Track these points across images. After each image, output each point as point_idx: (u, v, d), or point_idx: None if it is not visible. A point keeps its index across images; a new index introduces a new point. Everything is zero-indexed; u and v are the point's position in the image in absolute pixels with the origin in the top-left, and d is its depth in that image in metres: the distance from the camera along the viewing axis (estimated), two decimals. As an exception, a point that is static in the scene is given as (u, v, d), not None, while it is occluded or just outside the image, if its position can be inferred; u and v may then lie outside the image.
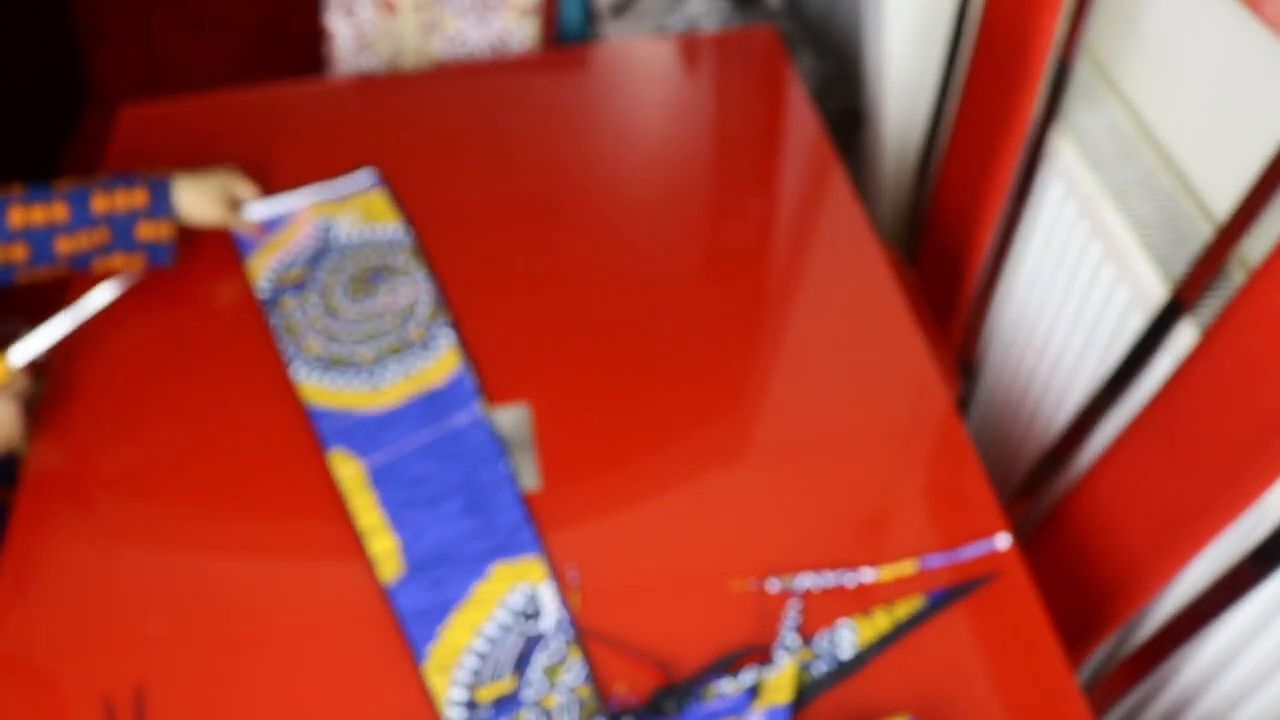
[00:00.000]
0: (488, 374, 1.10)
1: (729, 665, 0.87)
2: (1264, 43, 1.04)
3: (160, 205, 1.11)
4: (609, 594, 0.93)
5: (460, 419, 1.05)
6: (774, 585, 0.92)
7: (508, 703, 0.86)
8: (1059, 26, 1.18)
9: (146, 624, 0.92)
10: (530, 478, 1.01)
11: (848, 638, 0.88)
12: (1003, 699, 0.86)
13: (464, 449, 1.03)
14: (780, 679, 0.85)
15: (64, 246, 1.08)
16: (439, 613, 0.91)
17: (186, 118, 1.45)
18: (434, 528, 0.97)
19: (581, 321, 1.16)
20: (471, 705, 0.86)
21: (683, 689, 0.85)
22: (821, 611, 0.91)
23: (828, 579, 0.92)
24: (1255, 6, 0.98)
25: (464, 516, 0.98)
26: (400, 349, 1.12)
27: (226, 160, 1.27)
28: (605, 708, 0.86)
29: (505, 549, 0.95)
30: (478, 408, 1.06)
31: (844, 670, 0.87)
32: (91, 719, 0.86)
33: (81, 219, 1.08)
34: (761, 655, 0.88)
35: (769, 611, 0.91)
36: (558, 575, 0.94)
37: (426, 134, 1.40)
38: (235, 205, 1.21)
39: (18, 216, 1.06)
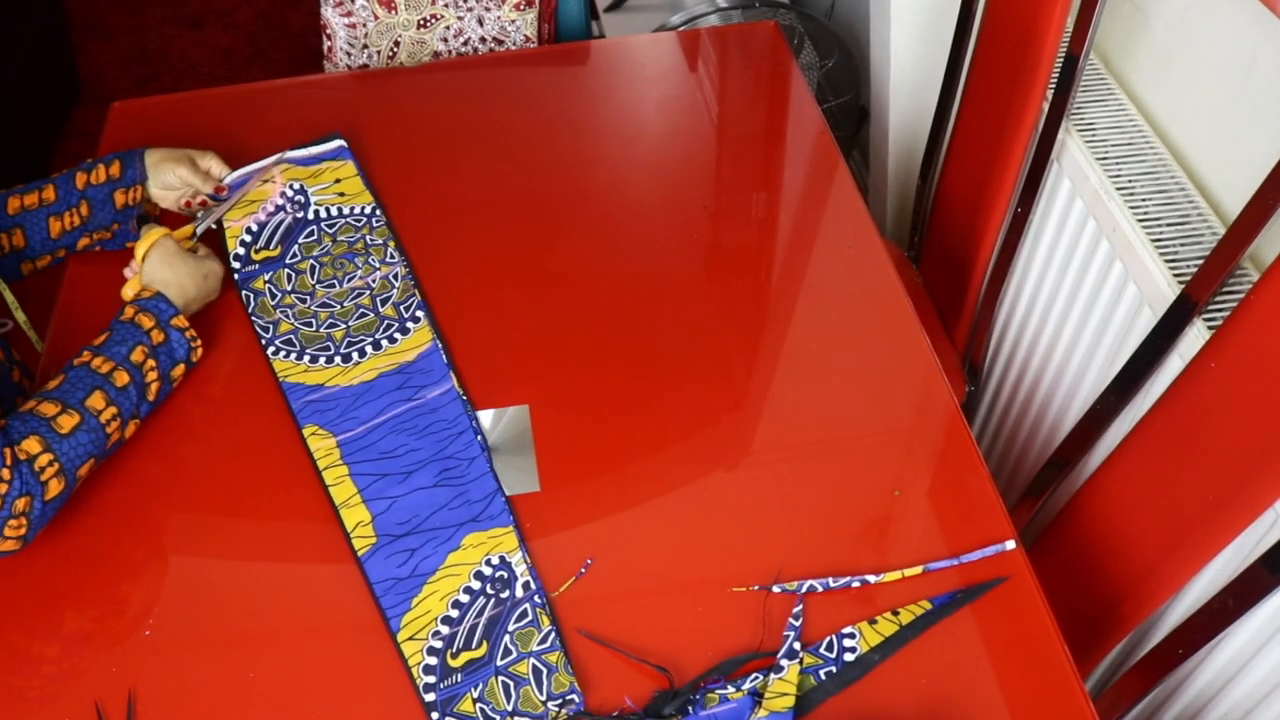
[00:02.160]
0: (486, 375, 1.09)
1: (731, 670, 0.86)
2: (1275, 38, 1.03)
3: (131, 172, 1.16)
4: (609, 597, 0.92)
5: (433, 393, 1.06)
6: (777, 589, 0.91)
7: (480, 669, 0.87)
8: (1067, 21, 1.16)
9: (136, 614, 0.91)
10: (529, 480, 1.00)
11: (852, 642, 0.87)
12: (1009, 705, 0.85)
13: (436, 422, 1.04)
14: (783, 684, 0.84)
15: (55, 227, 1.13)
16: (413, 582, 0.93)
17: (179, 113, 1.44)
18: (406, 499, 0.98)
19: (581, 321, 1.15)
20: (444, 672, 0.87)
21: (683, 694, 0.84)
22: (825, 615, 0.90)
23: (832, 583, 0.91)
24: (1271, 4, 0.97)
25: (436, 488, 0.99)
26: (373, 328, 1.13)
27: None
28: (604, 712, 0.84)
29: (478, 519, 0.96)
30: (450, 381, 1.07)
31: (848, 675, 0.86)
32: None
33: (67, 197, 1.13)
34: (765, 660, 0.87)
35: (772, 616, 0.90)
36: (529, 544, 0.95)
37: (424, 130, 1.39)
38: (204, 175, 1.21)
39: (14, 203, 1.11)
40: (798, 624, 0.88)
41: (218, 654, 0.90)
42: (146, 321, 1.01)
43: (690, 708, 0.84)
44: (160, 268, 1.06)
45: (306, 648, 0.90)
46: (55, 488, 0.90)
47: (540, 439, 1.03)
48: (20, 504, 0.87)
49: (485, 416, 1.05)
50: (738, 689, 0.85)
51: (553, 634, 0.89)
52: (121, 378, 0.97)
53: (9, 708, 0.87)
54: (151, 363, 1.00)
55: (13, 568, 0.95)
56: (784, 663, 0.86)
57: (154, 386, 1.00)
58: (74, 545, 0.97)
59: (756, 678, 0.85)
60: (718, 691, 0.85)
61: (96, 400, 0.94)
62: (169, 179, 1.18)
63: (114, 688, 0.87)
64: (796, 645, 0.87)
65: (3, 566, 0.95)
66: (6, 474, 0.87)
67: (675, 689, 0.85)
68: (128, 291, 1.08)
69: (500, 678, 0.87)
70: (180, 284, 1.06)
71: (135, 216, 1.18)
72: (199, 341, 1.06)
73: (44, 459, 0.89)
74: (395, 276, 1.18)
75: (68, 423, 0.92)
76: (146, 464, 1.02)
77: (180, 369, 1.04)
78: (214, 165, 1.22)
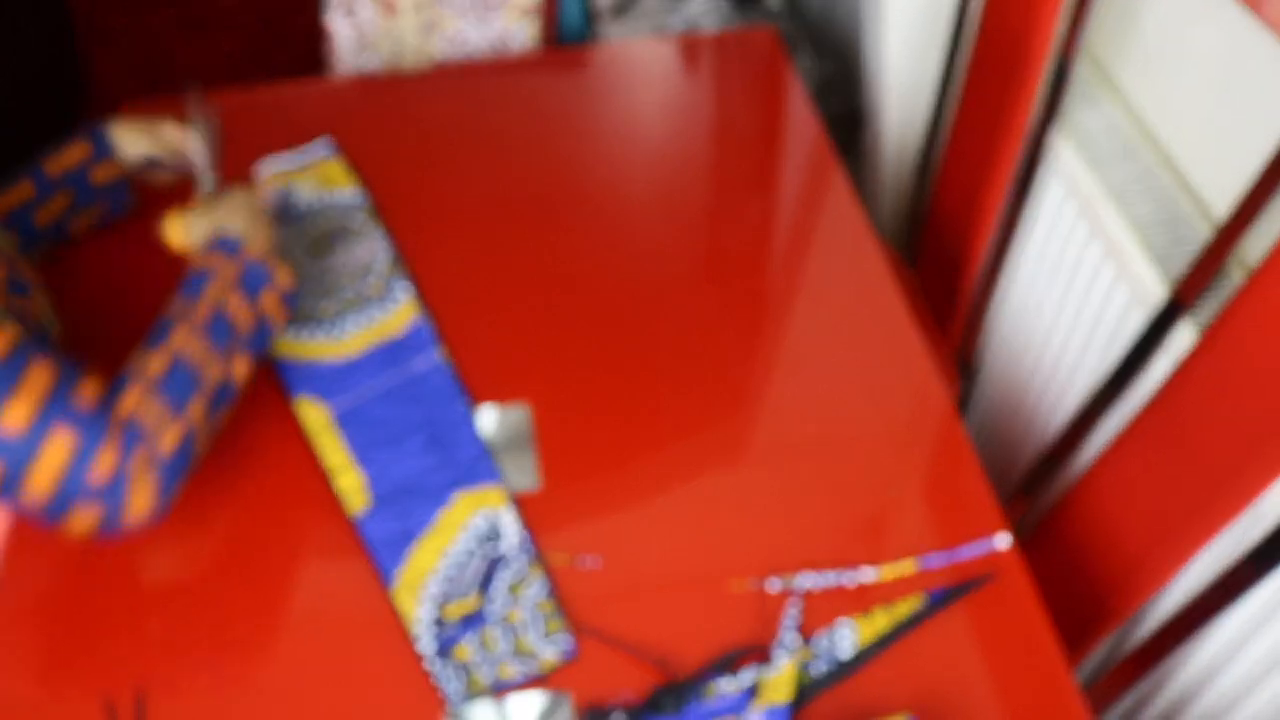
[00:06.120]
0: (487, 374, 1.10)
1: (729, 665, 0.87)
2: (1263, 42, 1.04)
3: (101, 148, 1.14)
4: (609, 593, 0.93)
5: (419, 364, 1.10)
6: (774, 585, 0.92)
7: (474, 619, 0.90)
8: (1058, 26, 1.18)
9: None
10: (530, 478, 1.01)
11: (847, 637, 0.89)
12: (1002, 698, 0.86)
13: (424, 392, 1.08)
14: (780, 678, 0.85)
15: (42, 219, 1.12)
16: (405, 540, 0.96)
17: (185, 117, 1.44)
18: (398, 464, 1.02)
19: (581, 322, 1.16)
20: (439, 623, 0.90)
21: (682, 688, 0.85)
22: (821, 611, 0.91)
23: (827, 579, 0.93)
24: (1255, 6, 0.98)
25: (425, 453, 1.03)
26: (359, 303, 1.16)
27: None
28: (600, 707, 0.86)
29: (465, 479, 1.00)
30: (436, 353, 1.11)
31: (843, 670, 0.87)
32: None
33: (45, 188, 1.12)
34: (761, 655, 0.88)
35: (769, 611, 0.91)
36: (516, 500, 0.98)
37: (426, 135, 1.40)
38: (172, 146, 1.17)
39: None
40: (794, 619, 0.90)
41: (221, 634, 0.91)
42: (213, 260, 0.96)
43: (688, 702, 0.85)
44: (199, 228, 1.00)
45: (303, 609, 0.93)
46: (170, 439, 0.84)
47: (540, 437, 1.05)
48: (136, 463, 0.81)
49: (486, 416, 1.07)
50: (735, 683, 0.86)
51: (542, 583, 0.92)
52: (202, 312, 0.92)
53: (17, 706, 0.87)
54: (232, 298, 0.94)
55: (18, 566, 0.96)
56: (780, 657, 0.87)
57: (241, 317, 0.94)
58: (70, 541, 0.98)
59: (753, 672, 0.87)
60: (715, 686, 0.86)
61: (181, 337, 0.89)
62: (136, 150, 1.14)
63: (123, 685, 0.87)
64: (792, 640, 0.88)
65: (5, 565, 0.96)
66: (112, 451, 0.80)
67: (673, 684, 0.86)
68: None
69: (493, 626, 0.90)
70: (223, 223, 1.00)
71: (128, 188, 1.16)
72: (274, 263, 0.99)
73: (144, 408, 0.83)
74: (380, 255, 1.21)
75: (159, 364, 0.87)
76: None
77: (272, 298, 0.97)
78: (173, 135, 1.15)
